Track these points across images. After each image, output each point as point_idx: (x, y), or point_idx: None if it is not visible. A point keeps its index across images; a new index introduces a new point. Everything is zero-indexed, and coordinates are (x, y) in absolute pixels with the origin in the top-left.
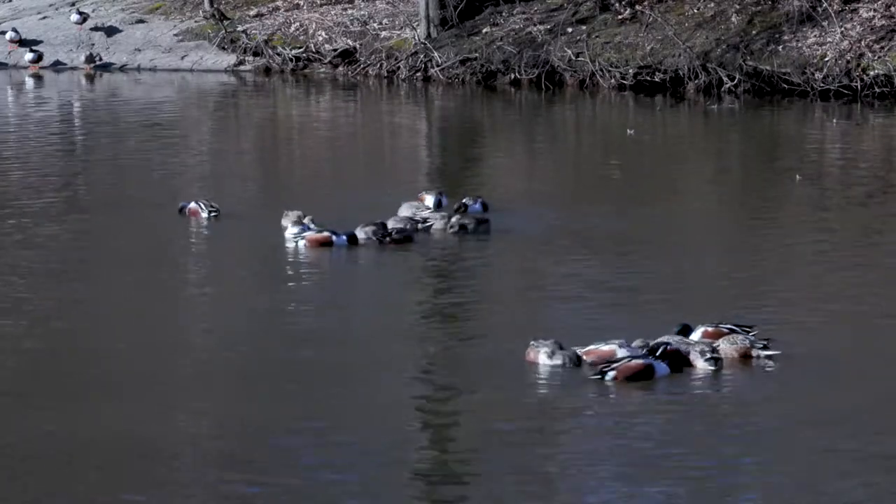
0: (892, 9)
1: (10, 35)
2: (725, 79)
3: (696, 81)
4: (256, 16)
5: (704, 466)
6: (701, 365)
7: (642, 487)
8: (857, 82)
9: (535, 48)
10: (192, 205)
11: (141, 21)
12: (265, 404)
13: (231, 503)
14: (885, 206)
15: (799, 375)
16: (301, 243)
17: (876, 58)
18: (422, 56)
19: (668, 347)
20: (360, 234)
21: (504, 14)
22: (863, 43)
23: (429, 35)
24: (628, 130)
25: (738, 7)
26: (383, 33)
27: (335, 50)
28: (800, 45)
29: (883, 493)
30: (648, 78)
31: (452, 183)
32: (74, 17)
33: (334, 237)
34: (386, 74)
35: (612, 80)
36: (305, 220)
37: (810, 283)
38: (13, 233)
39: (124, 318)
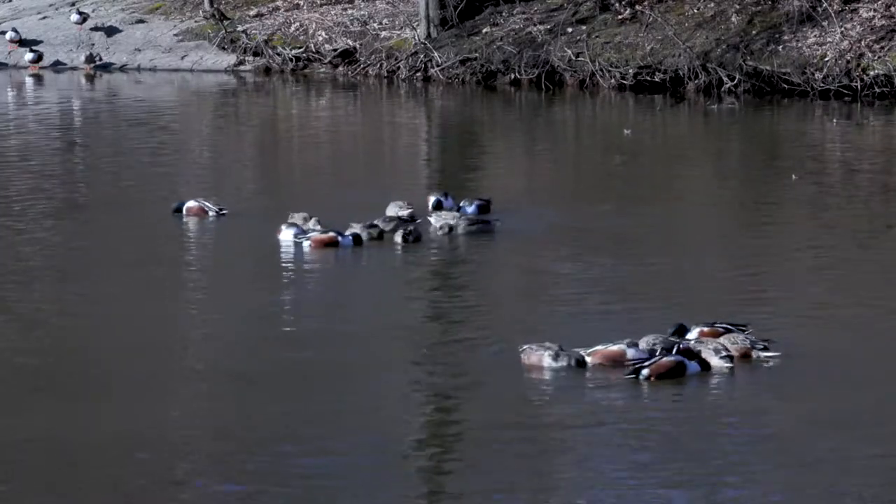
0: (892, 9)
1: (10, 35)
2: (725, 79)
3: (696, 81)
4: (256, 16)
5: (706, 471)
6: (717, 363)
7: (642, 489)
8: (857, 82)
9: (535, 48)
10: (193, 203)
11: (141, 21)
12: (264, 405)
13: None
14: (885, 206)
15: (800, 376)
16: (306, 244)
17: (876, 58)
18: (422, 56)
19: (681, 346)
20: (364, 234)
21: (504, 14)
22: (863, 43)
23: (429, 35)
24: (625, 130)
25: (738, 7)
26: (383, 33)
27: (335, 50)
28: (800, 45)
29: (888, 495)
30: (648, 78)
31: (452, 183)
32: (74, 17)
33: (340, 237)
34: (386, 74)
35: (612, 80)
36: (311, 223)
37: (810, 283)
38: (12, 232)
39: (124, 319)
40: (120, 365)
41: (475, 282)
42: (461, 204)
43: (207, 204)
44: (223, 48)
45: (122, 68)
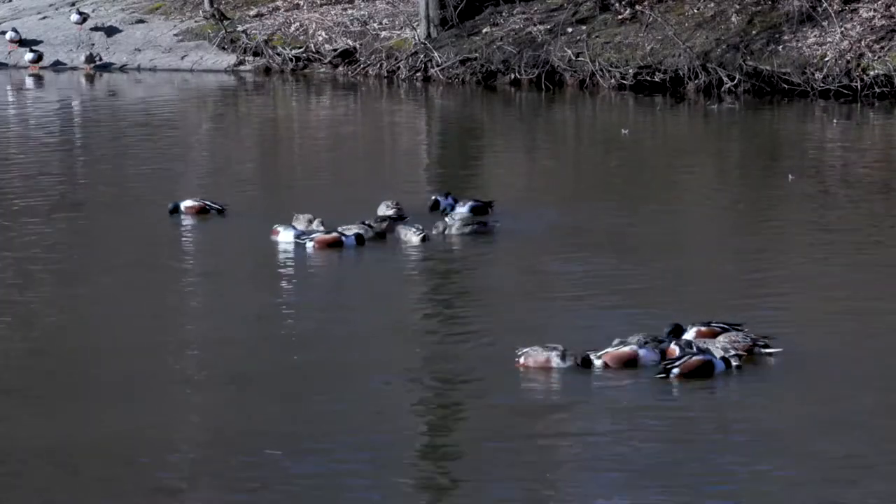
0: (892, 9)
1: (10, 35)
2: (725, 79)
3: (696, 81)
4: (256, 16)
5: (708, 473)
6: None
7: (643, 493)
8: (857, 82)
9: (535, 48)
10: (191, 202)
11: (141, 21)
12: (264, 407)
13: None
14: (885, 206)
15: (800, 376)
16: (309, 245)
17: (876, 58)
18: (422, 56)
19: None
20: (367, 233)
21: (504, 14)
22: (863, 43)
23: (429, 35)
24: (623, 130)
25: (738, 7)
26: (383, 33)
27: (335, 50)
28: (800, 45)
29: (890, 497)
30: (648, 78)
31: (451, 183)
32: (74, 17)
33: (343, 238)
34: (386, 74)
35: (612, 80)
36: (314, 224)
37: (811, 283)
38: (11, 232)
39: (123, 320)
40: (119, 366)
41: (476, 282)
42: (454, 204)
43: (208, 201)
44: (223, 48)
45: (122, 68)
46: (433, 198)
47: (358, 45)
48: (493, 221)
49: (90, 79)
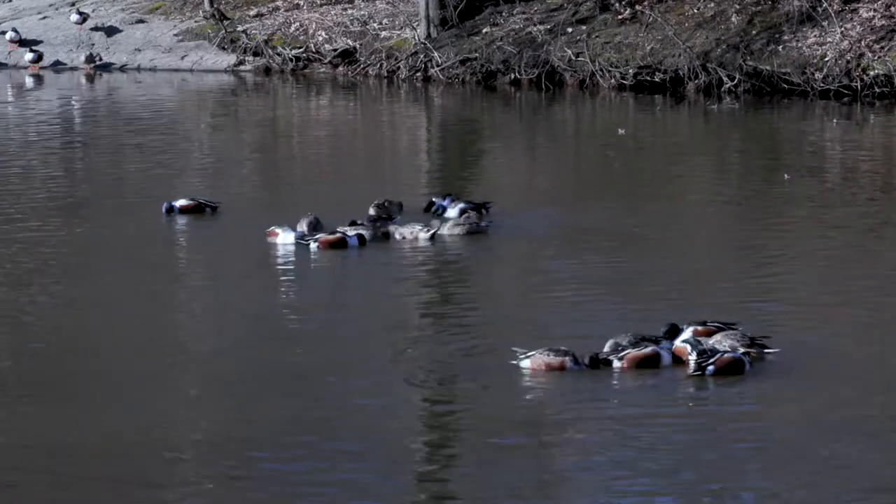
0: (892, 9)
1: (10, 35)
2: (725, 79)
3: (696, 81)
4: (256, 16)
5: (710, 477)
6: None
7: (645, 495)
8: (857, 82)
9: (535, 48)
10: (185, 201)
11: (141, 21)
12: (261, 407)
13: None
14: (885, 206)
15: (801, 376)
16: (313, 246)
17: (876, 58)
18: (422, 56)
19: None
20: (367, 233)
21: (504, 14)
22: (863, 43)
23: (429, 35)
24: (619, 130)
25: (738, 7)
26: (383, 33)
27: (335, 50)
28: (800, 45)
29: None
30: (648, 78)
31: (451, 183)
32: (74, 17)
33: (347, 238)
34: (386, 74)
35: (612, 80)
36: (303, 226)
37: (811, 282)
38: (9, 232)
39: (122, 321)
40: (119, 366)
41: (476, 282)
42: (445, 204)
43: (202, 199)
44: (223, 48)
45: (122, 68)
46: (431, 199)
47: (358, 45)
48: (486, 222)
49: (90, 79)
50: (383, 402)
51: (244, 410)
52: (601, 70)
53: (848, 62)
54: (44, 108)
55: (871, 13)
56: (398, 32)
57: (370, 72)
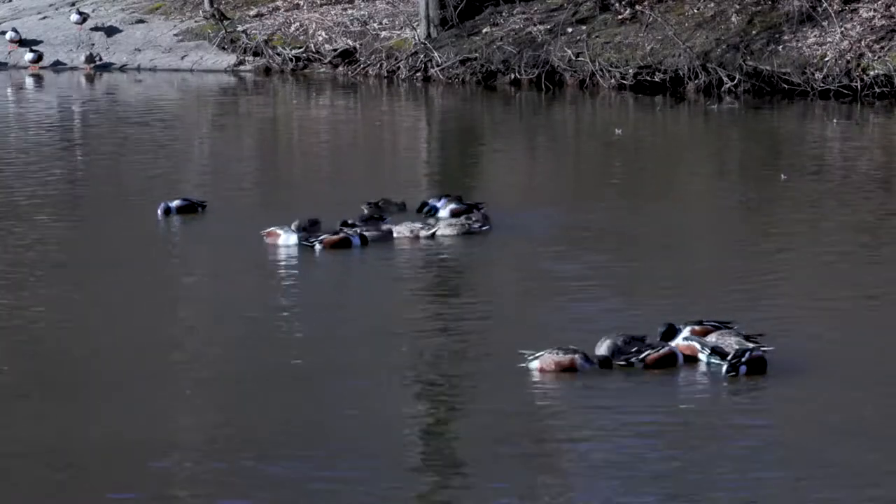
0: (892, 9)
1: (10, 35)
2: (725, 79)
3: (696, 81)
4: (256, 16)
5: (713, 479)
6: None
7: (646, 498)
8: (857, 82)
9: (535, 48)
10: (178, 202)
11: (141, 21)
12: (260, 408)
13: None
14: (885, 205)
15: (801, 376)
16: (318, 246)
17: (876, 58)
18: (422, 56)
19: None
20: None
21: (504, 14)
22: (863, 43)
23: (429, 35)
24: (616, 130)
25: (738, 7)
26: (383, 33)
27: (335, 50)
28: (800, 45)
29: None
30: (648, 78)
31: (451, 183)
32: (74, 17)
33: (351, 238)
34: (386, 74)
35: (612, 80)
36: (293, 227)
37: (811, 282)
38: (7, 232)
39: (121, 322)
40: (119, 367)
41: (477, 282)
42: (438, 205)
43: (192, 198)
44: (223, 48)
45: (122, 68)
46: (424, 200)
47: (358, 45)
48: (477, 223)
49: (90, 79)
50: (382, 403)
51: (243, 411)
52: (601, 70)
53: (848, 62)
54: (43, 107)
55: (871, 13)
56: (398, 32)
57: (370, 72)
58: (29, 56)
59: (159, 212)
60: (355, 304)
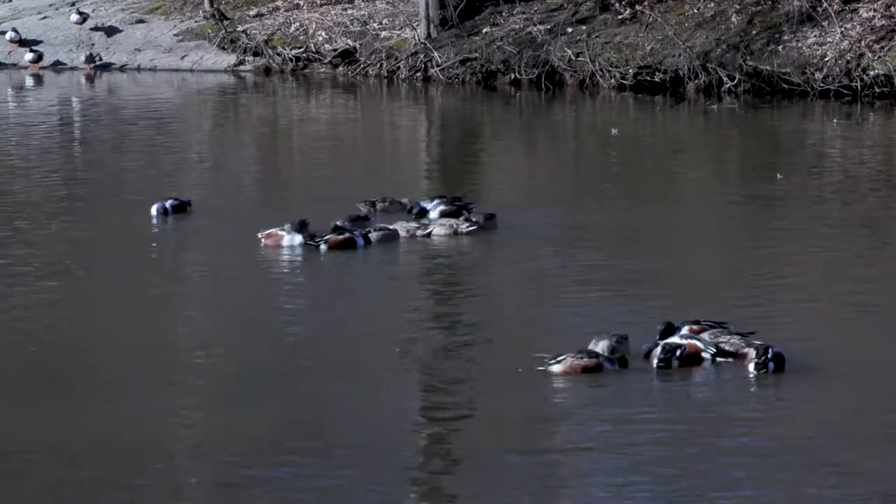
0: (892, 9)
1: (10, 35)
2: (725, 79)
3: (696, 81)
4: (256, 16)
5: (715, 482)
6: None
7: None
8: (857, 82)
9: (535, 48)
10: (172, 202)
11: (141, 21)
12: (259, 409)
13: None
14: (885, 205)
15: (799, 376)
16: (323, 247)
17: (876, 58)
18: (422, 56)
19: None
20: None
21: (504, 14)
22: (863, 43)
23: (429, 35)
24: (613, 130)
25: (738, 7)
26: (383, 33)
27: (335, 50)
28: (800, 45)
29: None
30: (648, 78)
31: (450, 183)
32: (74, 17)
33: (356, 238)
34: (386, 74)
35: (612, 80)
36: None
37: (810, 281)
38: (5, 232)
39: (122, 322)
40: (118, 367)
41: (477, 282)
42: (428, 207)
43: (182, 198)
44: (223, 48)
45: (122, 68)
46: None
47: (358, 45)
48: (468, 225)
49: (90, 79)
50: (383, 404)
51: (242, 412)
52: (601, 70)
53: (848, 62)
54: (43, 108)
55: (871, 13)
56: (398, 32)
57: (370, 72)
58: (29, 56)
59: (154, 212)
60: (357, 305)
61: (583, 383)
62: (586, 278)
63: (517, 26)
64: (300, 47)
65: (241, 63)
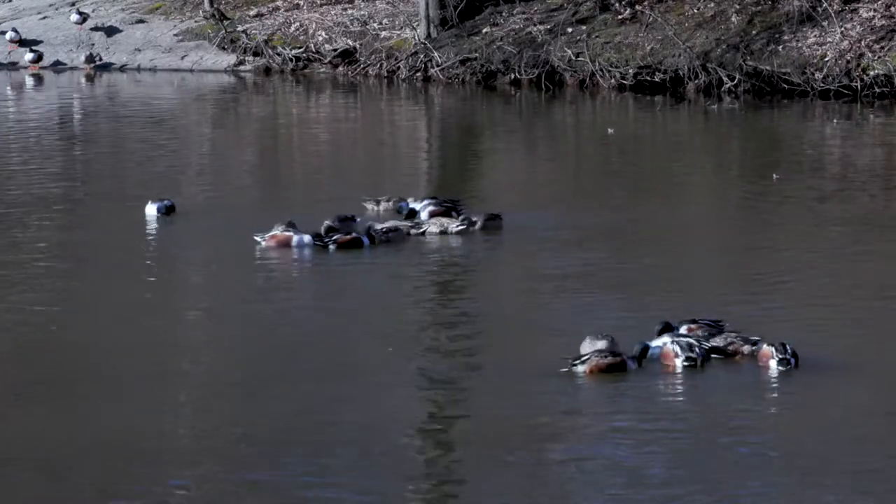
0: (892, 9)
1: (10, 35)
2: (725, 79)
3: (696, 81)
4: (256, 16)
5: (714, 483)
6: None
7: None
8: (857, 82)
9: (535, 48)
10: (168, 202)
11: (141, 21)
12: (259, 411)
13: None
14: (885, 205)
15: (798, 377)
16: (332, 247)
17: (876, 58)
18: (422, 56)
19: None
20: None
21: (504, 14)
22: (863, 43)
23: (429, 35)
24: (609, 130)
25: (738, 7)
26: (383, 33)
27: (335, 50)
28: (800, 45)
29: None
30: (648, 78)
31: (450, 182)
32: (74, 17)
33: (362, 238)
34: (386, 74)
35: (612, 80)
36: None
37: (810, 281)
38: (6, 232)
39: (121, 322)
40: (119, 367)
41: (479, 282)
42: (416, 207)
43: (168, 200)
44: (223, 48)
45: (122, 68)
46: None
47: (358, 45)
48: (459, 224)
49: (90, 79)
50: (383, 405)
51: (242, 413)
52: (601, 70)
53: (848, 62)
54: (43, 108)
55: (871, 13)
56: (398, 32)
57: (370, 72)
58: (29, 56)
59: (154, 212)
60: (353, 306)
61: (583, 384)
62: (587, 278)
63: (517, 26)
64: (300, 47)
65: (241, 63)
